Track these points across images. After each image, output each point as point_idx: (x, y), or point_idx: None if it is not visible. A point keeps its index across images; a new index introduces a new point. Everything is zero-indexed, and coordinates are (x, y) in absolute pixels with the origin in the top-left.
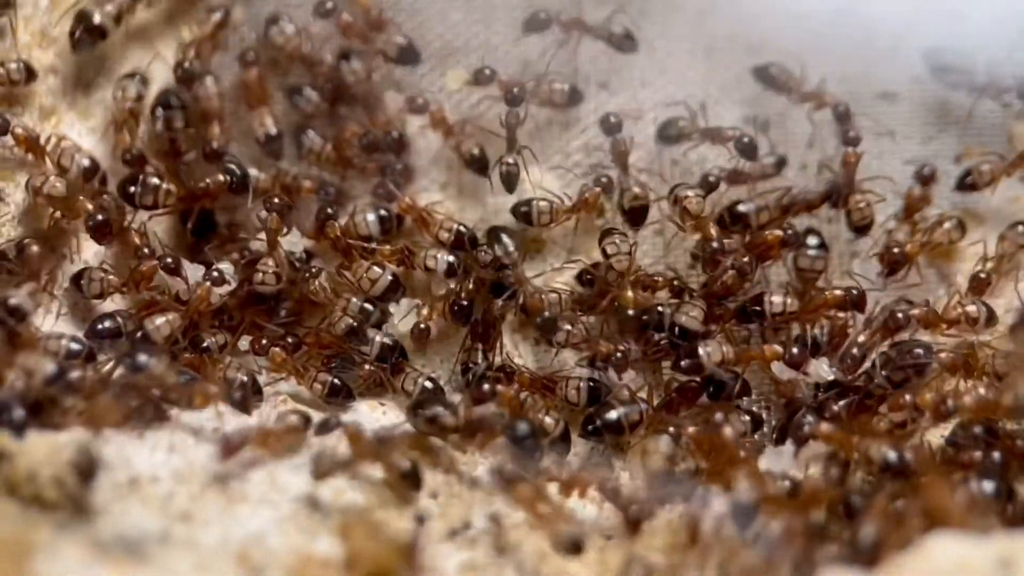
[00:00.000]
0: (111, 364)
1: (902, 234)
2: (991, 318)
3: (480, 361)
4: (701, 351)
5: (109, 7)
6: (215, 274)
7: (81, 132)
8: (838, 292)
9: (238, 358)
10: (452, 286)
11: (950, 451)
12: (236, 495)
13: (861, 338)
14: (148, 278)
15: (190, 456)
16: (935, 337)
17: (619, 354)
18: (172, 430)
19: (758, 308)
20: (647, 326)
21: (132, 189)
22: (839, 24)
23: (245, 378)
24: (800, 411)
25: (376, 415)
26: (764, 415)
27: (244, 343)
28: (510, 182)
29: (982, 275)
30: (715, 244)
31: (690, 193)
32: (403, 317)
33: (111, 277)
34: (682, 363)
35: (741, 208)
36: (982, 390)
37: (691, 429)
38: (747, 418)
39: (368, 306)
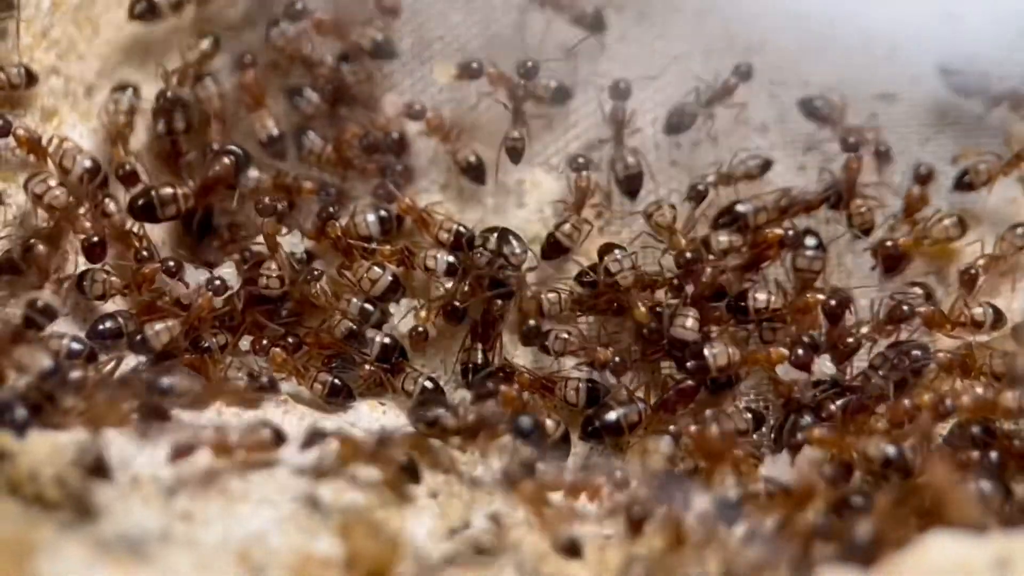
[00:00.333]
0: (112, 365)
1: (901, 233)
2: (998, 320)
3: (480, 361)
4: (707, 353)
5: None
6: (216, 282)
7: (83, 133)
8: (820, 296)
9: (239, 358)
10: (448, 287)
11: (947, 451)
12: (237, 495)
13: (864, 329)
14: (150, 281)
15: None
16: (934, 337)
17: (616, 359)
18: (173, 430)
19: (742, 305)
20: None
21: (143, 203)
22: (837, 25)
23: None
24: (797, 411)
25: (376, 415)
26: (765, 413)
27: (244, 343)
28: (515, 156)
29: (972, 271)
30: (688, 255)
31: (663, 205)
32: (403, 317)
33: (113, 279)
34: (687, 365)
35: (739, 208)
36: (980, 390)
37: (692, 428)
38: (748, 415)
39: (368, 306)
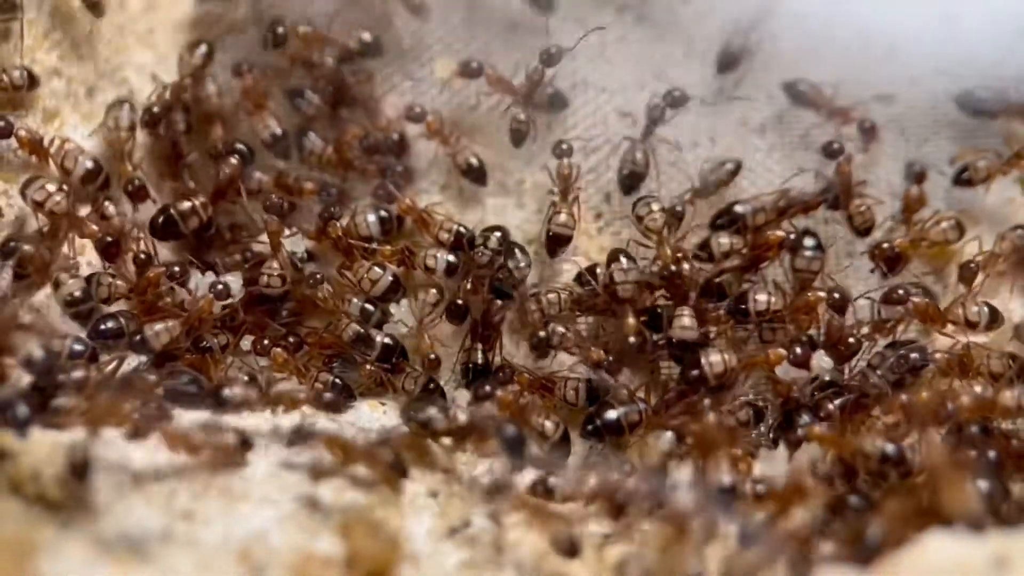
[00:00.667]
0: (114, 364)
1: (899, 234)
2: (994, 321)
3: (480, 361)
4: (703, 361)
5: None
6: (219, 287)
7: (84, 135)
8: (821, 294)
9: (240, 358)
10: (444, 301)
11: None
12: (238, 494)
13: (864, 329)
14: (154, 285)
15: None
16: (932, 338)
17: (610, 359)
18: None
19: (743, 307)
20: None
21: (164, 220)
22: (835, 26)
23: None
24: (796, 410)
25: (377, 415)
26: (765, 410)
27: (245, 343)
28: (519, 138)
29: (972, 265)
30: (672, 267)
31: (654, 208)
32: (407, 330)
33: (118, 282)
34: (690, 374)
35: (738, 209)
36: (978, 389)
37: (695, 427)
38: (748, 411)
39: (369, 306)
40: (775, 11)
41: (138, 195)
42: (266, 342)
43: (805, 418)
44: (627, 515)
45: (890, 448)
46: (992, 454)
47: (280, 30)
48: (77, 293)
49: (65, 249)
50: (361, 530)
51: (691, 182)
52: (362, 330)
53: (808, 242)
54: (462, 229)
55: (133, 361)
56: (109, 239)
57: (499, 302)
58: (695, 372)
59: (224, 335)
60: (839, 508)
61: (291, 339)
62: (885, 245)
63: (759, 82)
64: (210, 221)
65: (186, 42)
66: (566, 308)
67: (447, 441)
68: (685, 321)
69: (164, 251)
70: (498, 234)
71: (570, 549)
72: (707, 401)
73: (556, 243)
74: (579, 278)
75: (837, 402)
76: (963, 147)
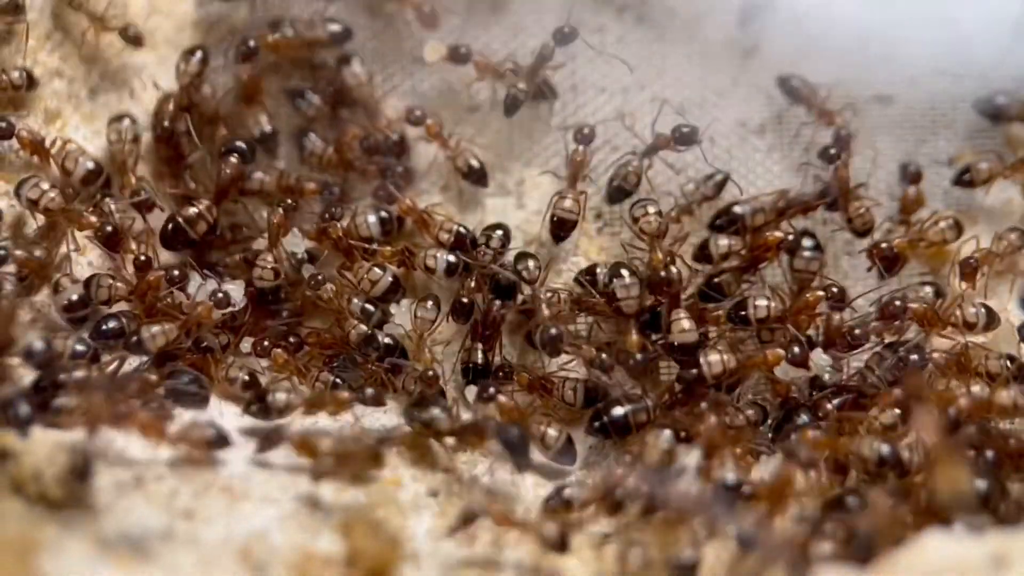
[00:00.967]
0: (115, 363)
1: (897, 235)
2: (991, 321)
3: (480, 360)
4: (702, 360)
5: None
6: (220, 295)
7: (86, 135)
8: (819, 292)
9: (241, 358)
10: (442, 314)
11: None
12: (239, 493)
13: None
14: (155, 288)
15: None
16: (930, 337)
17: (603, 357)
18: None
19: (743, 313)
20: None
21: (173, 229)
22: (834, 27)
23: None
24: (795, 410)
25: (377, 414)
26: (768, 407)
27: (246, 345)
28: (513, 107)
29: (971, 261)
30: (662, 274)
31: (650, 211)
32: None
33: (119, 284)
34: (689, 373)
35: (737, 209)
36: (976, 389)
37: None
38: (750, 412)
39: (369, 307)
40: (775, 11)
41: (145, 206)
42: (266, 343)
43: (804, 418)
44: (626, 514)
45: (886, 450)
46: (990, 454)
47: (251, 43)
48: (75, 297)
49: (64, 249)
50: (362, 529)
51: (680, 195)
52: (369, 331)
53: (807, 242)
54: (462, 230)
55: (134, 361)
56: (109, 228)
57: (499, 302)
58: (693, 371)
59: (225, 335)
60: (834, 507)
61: (291, 339)
62: (883, 245)
63: (758, 82)
64: (216, 223)
65: (182, 50)
66: (566, 308)
67: (450, 441)
68: (683, 324)
69: (165, 253)
70: (500, 232)
71: (560, 544)
72: (708, 401)
73: (560, 227)
74: (579, 279)
75: (835, 402)
76: (961, 148)
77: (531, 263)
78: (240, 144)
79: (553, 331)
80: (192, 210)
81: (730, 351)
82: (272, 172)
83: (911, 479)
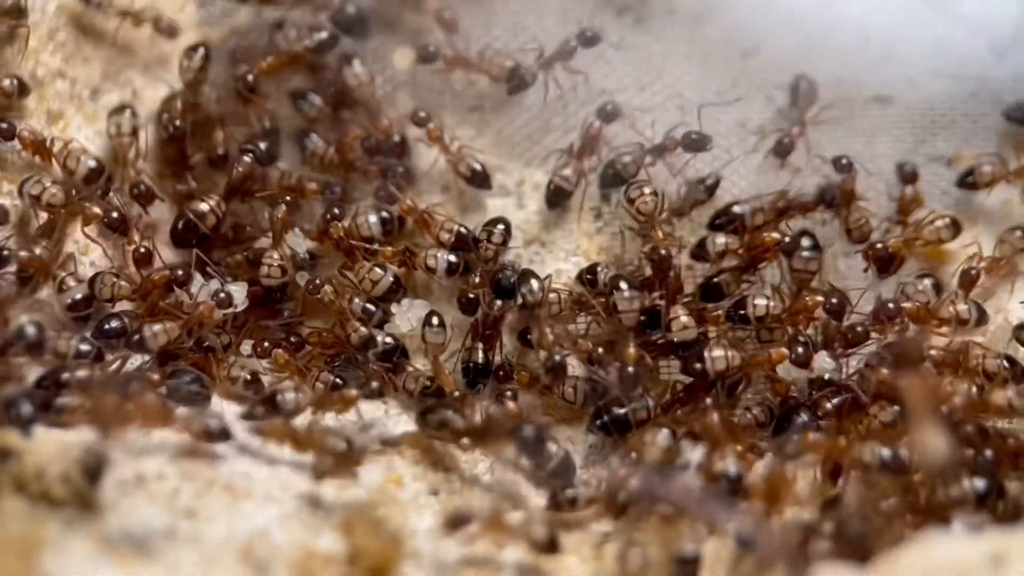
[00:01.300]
0: (118, 363)
1: (894, 234)
2: (981, 319)
3: (480, 360)
4: (706, 355)
5: None
6: (222, 296)
7: (88, 136)
8: (819, 298)
9: (242, 358)
10: (452, 334)
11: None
12: (240, 492)
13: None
14: (159, 287)
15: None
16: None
17: (599, 350)
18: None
19: (742, 312)
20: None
21: (184, 224)
22: (833, 28)
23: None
24: (795, 409)
25: (378, 414)
26: (773, 408)
27: (246, 347)
28: (517, 87)
29: (972, 271)
30: (662, 252)
31: (645, 191)
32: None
33: (122, 283)
34: (692, 368)
35: (736, 209)
36: (965, 387)
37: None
38: (764, 409)
39: (370, 307)
40: (774, 12)
41: (145, 198)
42: (266, 344)
43: (803, 417)
44: (627, 513)
45: (887, 454)
46: (989, 453)
47: (249, 78)
48: (79, 296)
49: (68, 248)
50: (363, 527)
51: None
52: (370, 333)
53: (805, 242)
54: (463, 229)
55: (137, 360)
56: (116, 215)
57: (500, 302)
58: (697, 365)
59: (227, 335)
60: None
61: (292, 339)
62: (879, 245)
63: (758, 82)
64: (224, 218)
65: (184, 48)
66: (566, 308)
67: (465, 441)
68: (683, 321)
69: (167, 252)
70: (501, 227)
71: (550, 546)
72: (711, 398)
73: (556, 195)
74: (580, 278)
75: (835, 401)
76: (959, 148)
77: (534, 284)
78: (253, 145)
79: (557, 359)
80: (203, 205)
81: (733, 348)
82: (274, 172)
83: (910, 478)
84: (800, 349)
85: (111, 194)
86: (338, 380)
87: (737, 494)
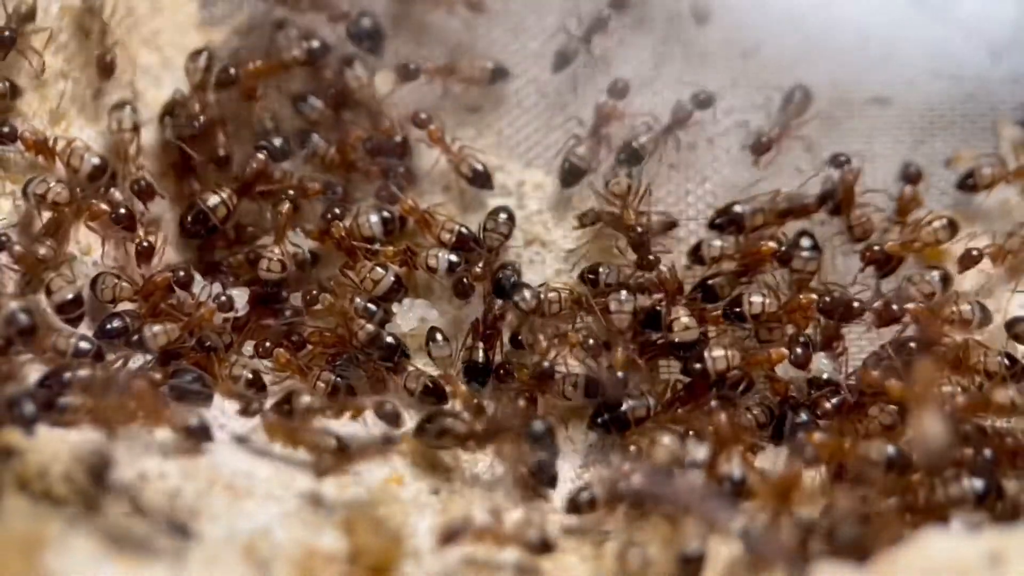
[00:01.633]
0: (120, 362)
1: (892, 235)
2: (985, 319)
3: (481, 359)
4: (706, 355)
5: None
6: (224, 299)
7: (90, 136)
8: (813, 296)
9: (244, 357)
10: (457, 347)
11: None
12: (242, 491)
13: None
14: (160, 288)
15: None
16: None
17: (589, 342)
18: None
19: (738, 309)
20: (645, 326)
21: (195, 214)
22: (832, 29)
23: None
24: (794, 408)
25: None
26: (772, 408)
27: (247, 348)
28: (561, 63)
29: (974, 252)
30: (639, 229)
31: (620, 175)
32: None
33: (124, 284)
34: (691, 367)
35: (737, 209)
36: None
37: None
38: (759, 410)
39: (371, 306)
40: (774, 12)
41: (146, 193)
42: (268, 344)
43: (802, 416)
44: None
45: (892, 451)
46: (988, 452)
47: (232, 71)
48: (69, 296)
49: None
50: (364, 526)
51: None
52: (377, 330)
53: (805, 243)
54: (464, 230)
55: (139, 359)
56: (123, 210)
57: (500, 301)
58: (697, 365)
59: (228, 334)
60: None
61: (293, 339)
62: (876, 247)
63: (758, 83)
64: (234, 211)
65: (189, 51)
66: (566, 307)
67: (472, 444)
68: (684, 321)
69: (169, 251)
70: (504, 216)
71: (543, 547)
72: (719, 397)
73: (570, 174)
74: (581, 277)
75: (834, 400)
76: (957, 149)
77: (527, 293)
78: (268, 143)
79: (546, 365)
80: (214, 198)
81: (734, 347)
82: (276, 171)
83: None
84: (799, 349)
85: (112, 191)
86: (339, 379)
87: (741, 496)
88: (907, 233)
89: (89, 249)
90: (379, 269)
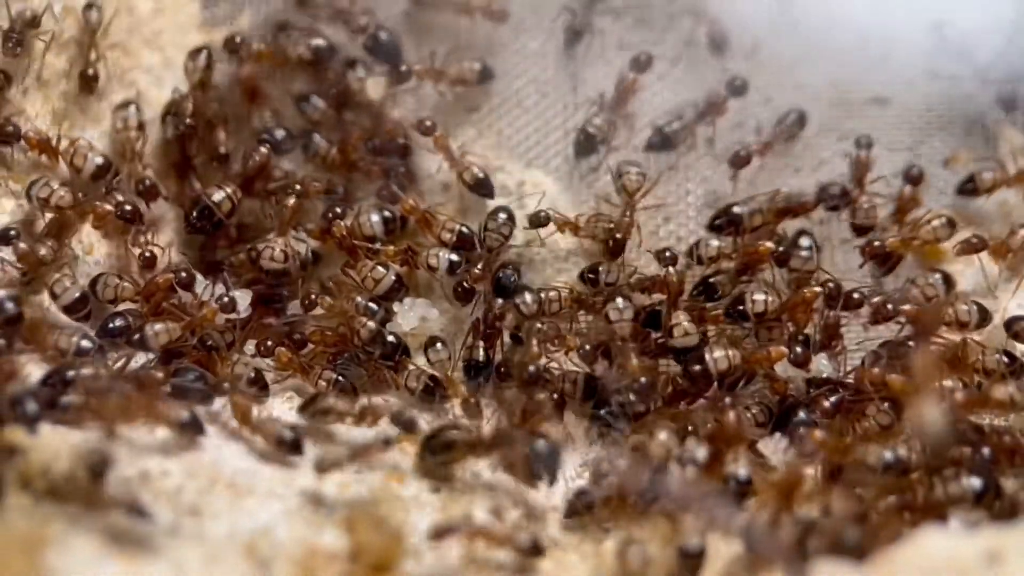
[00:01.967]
0: (122, 361)
1: (891, 233)
2: (983, 320)
3: (481, 359)
4: (707, 357)
5: None
6: (226, 299)
7: (93, 136)
8: (817, 289)
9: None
10: (454, 354)
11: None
12: (244, 489)
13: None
14: (162, 289)
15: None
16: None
17: (586, 347)
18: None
19: (740, 308)
20: (645, 325)
21: (200, 210)
22: (831, 30)
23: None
24: (793, 408)
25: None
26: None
27: (249, 347)
28: (572, 39)
29: (975, 239)
30: (618, 236)
31: (632, 169)
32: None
33: (126, 284)
34: (692, 369)
35: (736, 209)
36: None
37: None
38: (757, 409)
39: (373, 305)
40: (774, 12)
41: (149, 193)
42: (269, 343)
43: (801, 415)
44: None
45: (889, 455)
46: (986, 451)
47: (238, 40)
48: (76, 294)
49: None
50: (365, 524)
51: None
52: (379, 328)
53: (803, 242)
54: (464, 229)
55: (141, 358)
56: (128, 207)
57: (501, 301)
58: (698, 367)
59: (230, 333)
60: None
61: (295, 337)
62: (876, 243)
63: (756, 84)
64: (238, 206)
65: (189, 50)
66: (566, 306)
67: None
68: (684, 326)
69: (171, 250)
70: (504, 215)
71: (534, 550)
72: (729, 397)
73: (586, 141)
74: (582, 276)
75: (832, 399)
76: (956, 149)
77: (528, 297)
78: (270, 136)
79: (532, 369)
80: (219, 193)
81: (734, 347)
82: (277, 171)
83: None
84: (799, 348)
85: (115, 193)
86: (340, 378)
87: (744, 496)
88: (907, 230)
89: (91, 248)
90: (380, 268)
